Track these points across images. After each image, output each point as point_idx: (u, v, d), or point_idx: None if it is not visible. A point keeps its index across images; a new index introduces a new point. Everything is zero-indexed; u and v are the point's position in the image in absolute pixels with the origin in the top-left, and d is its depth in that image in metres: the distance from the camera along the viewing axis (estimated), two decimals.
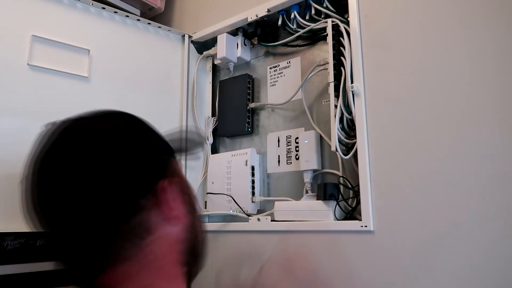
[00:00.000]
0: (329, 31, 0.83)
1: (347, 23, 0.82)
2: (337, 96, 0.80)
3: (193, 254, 0.47)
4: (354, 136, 0.77)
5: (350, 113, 0.78)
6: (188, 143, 0.57)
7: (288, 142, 0.94)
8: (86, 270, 0.40)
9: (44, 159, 0.41)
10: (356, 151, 0.76)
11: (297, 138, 0.92)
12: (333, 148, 0.78)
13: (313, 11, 0.90)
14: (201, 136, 0.61)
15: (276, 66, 1.01)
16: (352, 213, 0.78)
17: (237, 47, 1.04)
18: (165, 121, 1.05)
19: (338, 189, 0.81)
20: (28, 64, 0.81)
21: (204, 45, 1.14)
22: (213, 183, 1.03)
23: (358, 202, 0.75)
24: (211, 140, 1.09)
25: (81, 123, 0.45)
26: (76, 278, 0.41)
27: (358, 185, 0.75)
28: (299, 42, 0.96)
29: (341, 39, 0.82)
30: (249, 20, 0.98)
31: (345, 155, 0.78)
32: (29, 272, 0.80)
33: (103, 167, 0.39)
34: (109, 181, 0.39)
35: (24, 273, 0.79)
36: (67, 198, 0.39)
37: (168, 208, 0.43)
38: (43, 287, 0.81)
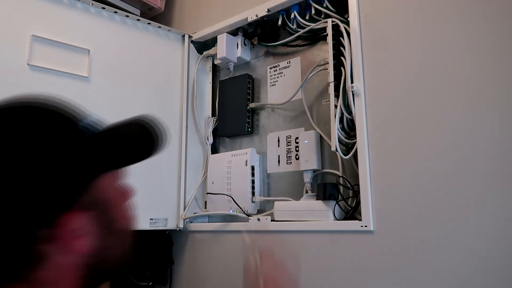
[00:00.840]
0: (329, 31, 0.83)
1: (347, 23, 0.82)
2: (337, 96, 0.80)
3: (98, 275, 0.44)
4: (354, 136, 0.77)
5: (350, 113, 0.78)
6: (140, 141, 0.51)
7: (288, 142, 0.94)
8: None
9: None
10: (356, 151, 0.76)
11: (297, 138, 0.92)
12: (333, 148, 0.78)
13: (313, 11, 0.90)
14: (160, 131, 0.52)
15: (276, 66, 1.01)
16: (352, 213, 0.78)
17: (237, 47, 1.04)
18: (165, 121, 1.04)
19: (338, 189, 0.81)
20: (28, 64, 0.81)
21: (204, 45, 1.14)
22: (213, 183, 1.03)
23: (358, 202, 0.75)
24: (211, 140, 1.09)
25: None
26: None
27: (357, 185, 0.75)
28: (299, 42, 0.96)
29: (341, 39, 0.82)
30: (249, 20, 0.98)
31: (345, 155, 0.78)
32: None
33: (3, 191, 0.36)
34: (6, 209, 0.36)
35: None
36: None
37: (65, 243, 0.39)
38: None
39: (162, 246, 1.05)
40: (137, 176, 1.06)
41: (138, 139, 0.50)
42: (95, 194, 0.42)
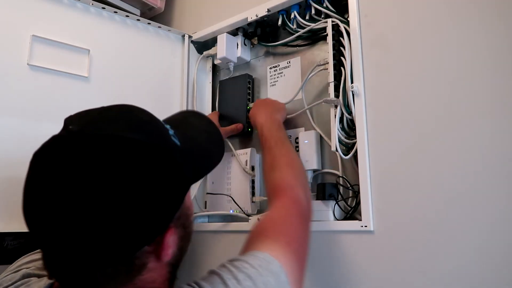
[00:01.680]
0: (329, 31, 0.83)
1: (347, 23, 0.82)
2: (337, 96, 0.80)
3: (178, 266, 0.51)
4: (354, 136, 0.77)
5: (350, 113, 0.78)
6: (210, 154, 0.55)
7: None
8: None
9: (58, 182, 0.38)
10: (356, 151, 0.76)
11: (297, 138, 0.92)
12: (333, 148, 0.78)
13: (313, 11, 0.90)
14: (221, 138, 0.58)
15: (276, 66, 1.01)
16: (351, 213, 0.78)
17: (237, 47, 1.04)
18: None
19: (338, 189, 0.81)
20: (28, 64, 0.81)
21: (204, 45, 1.14)
22: (213, 183, 1.03)
23: (358, 202, 0.75)
24: None
25: (99, 154, 0.39)
26: None
27: (357, 185, 0.75)
28: (299, 42, 0.96)
29: (341, 39, 0.82)
30: (249, 20, 0.98)
31: (345, 155, 0.78)
32: None
33: (116, 212, 0.38)
34: (119, 227, 0.39)
35: None
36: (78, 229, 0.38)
37: (163, 251, 0.44)
38: None
39: None
40: None
41: (210, 140, 0.57)
42: (182, 209, 0.47)
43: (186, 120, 0.59)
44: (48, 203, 0.38)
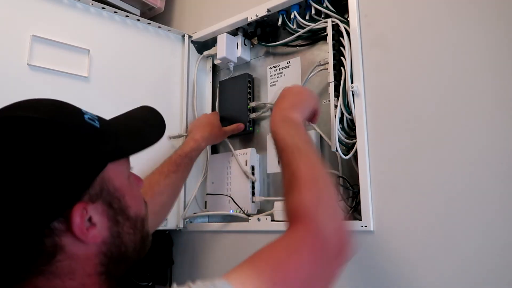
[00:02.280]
0: (329, 31, 0.83)
1: (347, 23, 0.82)
2: (337, 96, 0.80)
3: (116, 261, 0.46)
4: (354, 136, 0.77)
5: (350, 113, 0.78)
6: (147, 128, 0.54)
7: None
8: (3, 281, 0.41)
9: None
10: (356, 151, 0.76)
11: None
12: (333, 148, 0.78)
13: (313, 11, 0.90)
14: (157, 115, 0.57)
15: (276, 66, 1.01)
16: (351, 213, 0.78)
17: (237, 47, 1.04)
18: (165, 120, 1.05)
19: (337, 189, 0.80)
20: (28, 64, 0.81)
21: (204, 45, 1.14)
22: (213, 183, 1.03)
23: (358, 202, 0.75)
24: None
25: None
26: None
27: (357, 185, 0.75)
28: (299, 42, 0.96)
29: (341, 39, 0.82)
30: (249, 20, 0.98)
31: (345, 155, 0.78)
32: None
33: (16, 188, 0.38)
34: (19, 204, 0.38)
35: None
36: None
37: (80, 231, 0.41)
38: None
39: (162, 246, 1.05)
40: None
41: (141, 120, 0.54)
42: (105, 185, 0.44)
43: (128, 112, 0.58)
44: None
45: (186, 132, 1.04)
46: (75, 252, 0.42)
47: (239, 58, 1.04)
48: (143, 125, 0.53)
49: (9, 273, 0.41)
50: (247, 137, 1.04)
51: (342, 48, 0.82)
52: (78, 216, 0.41)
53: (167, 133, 1.05)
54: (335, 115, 0.79)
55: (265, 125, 1.01)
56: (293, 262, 0.45)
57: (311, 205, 0.52)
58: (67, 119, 0.44)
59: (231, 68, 1.07)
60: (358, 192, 0.75)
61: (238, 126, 0.98)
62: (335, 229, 0.51)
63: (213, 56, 1.12)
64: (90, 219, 0.42)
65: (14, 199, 0.38)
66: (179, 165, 0.86)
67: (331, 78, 0.81)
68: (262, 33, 1.02)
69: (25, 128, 0.40)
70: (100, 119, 0.48)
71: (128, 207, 0.47)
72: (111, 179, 0.45)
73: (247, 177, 0.95)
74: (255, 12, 0.97)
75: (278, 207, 0.88)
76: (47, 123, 0.41)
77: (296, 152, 0.58)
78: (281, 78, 1.00)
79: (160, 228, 0.99)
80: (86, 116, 0.46)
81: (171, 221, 1.01)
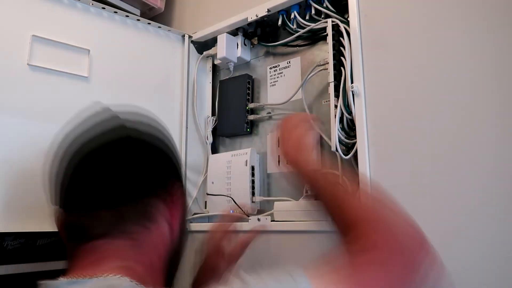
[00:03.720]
0: (329, 31, 0.83)
1: (347, 23, 0.82)
2: (337, 96, 0.80)
3: (172, 256, 0.51)
4: (354, 136, 0.77)
5: (350, 113, 0.78)
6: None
7: None
8: (91, 228, 0.46)
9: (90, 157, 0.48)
10: (356, 151, 0.76)
11: None
12: (333, 148, 0.78)
13: (313, 11, 0.90)
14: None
15: (276, 66, 1.01)
16: None
17: (237, 47, 1.04)
18: (165, 121, 1.04)
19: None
20: (28, 64, 0.81)
21: (204, 45, 1.14)
22: (213, 183, 1.03)
23: None
24: (210, 139, 1.09)
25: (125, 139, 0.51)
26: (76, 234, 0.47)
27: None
28: (299, 42, 0.96)
29: (341, 39, 0.82)
30: (249, 20, 0.98)
31: (345, 155, 0.78)
32: (29, 272, 0.80)
33: (137, 161, 0.49)
34: (139, 167, 0.49)
35: (24, 273, 0.79)
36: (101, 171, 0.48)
37: (171, 212, 0.49)
38: None
39: None
40: None
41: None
42: (182, 190, 0.56)
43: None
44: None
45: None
46: (162, 230, 0.48)
47: (239, 58, 1.04)
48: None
49: (106, 220, 0.46)
50: (247, 137, 1.04)
51: (342, 48, 0.82)
52: (172, 190, 0.50)
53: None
54: (335, 115, 0.79)
55: (264, 125, 1.01)
56: (375, 275, 0.44)
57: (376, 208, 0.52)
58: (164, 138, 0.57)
59: (231, 68, 1.07)
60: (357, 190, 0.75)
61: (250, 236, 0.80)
62: (406, 233, 0.50)
63: (213, 56, 1.12)
64: (176, 199, 0.51)
65: (138, 171, 0.49)
66: None
67: (331, 78, 0.81)
68: (262, 33, 1.02)
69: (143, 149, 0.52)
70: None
71: (186, 219, 0.56)
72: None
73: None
74: (255, 12, 0.97)
75: (278, 207, 0.88)
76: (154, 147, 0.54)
77: (341, 192, 0.58)
78: (281, 78, 1.00)
79: None
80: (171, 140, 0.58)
81: None
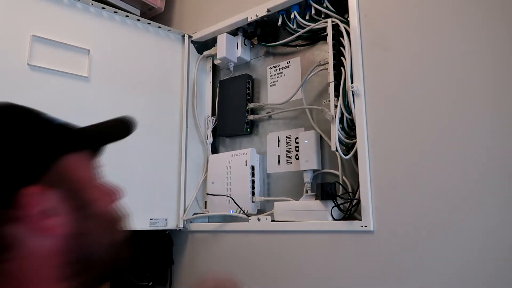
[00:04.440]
0: (329, 31, 0.83)
1: (347, 23, 0.82)
2: (337, 96, 0.80)
3: (83, 265, 0.40)
4: (354, 136, 0.77)
5: (350, 113, 0.78)
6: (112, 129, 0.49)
7: (288, 142, 0.94)
8: None
9: None
10: (356, 151, 0.76)
11: (297, 138, 0.92)
12: (333, 148, 0.78)
13: (313, 11, 0.90)
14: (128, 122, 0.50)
15: (276, 66, 1.01)
16: (351, 213, 0.78)
17: (237, 47, 1.04)
18: (165, 121, 1.05)
19: (336, 189, 0.80)
20: (28, 64, 0.81)
21: (204, 45, 1.14)
22: (213, 183, 1.03)
23: (357, 202, 0.75)
24: (210, 139, 1.09)
25: None
26: None
27: (358, 186, 0.75)
28: (299, 42, 0.96)
29: (341, 39, 0.82)
30: (249, 20, 0.98)
31: (345, 155, 0.78)
32: None
33: None
34: None
35: None
36: None
37: (35, 220, 0.37)
38: None
39: (162, 246, 1.05)
40: (138, 176, 1.06)
41: (107, 122, 0.49)
42: (60, 172, 0.41)
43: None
44: None
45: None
46: (29, 247, 0.36)
47: (239, 58, 1.04)
48: (106, 124, 0.50)
49: None
50: (247, 137, 1.04)
51: (342, 48, 0.81)
52: (31, 202, 0.36)
53: (170, 135, 1.05)
54: (335, 115, 0.79)
55: (264, 125, 1.01)
56: None
57: None
58: (32, 112, 0.45)
59: (231, 68, 1.07)
60: (356, 193, 0.75)
61: None
62: None
63: (213, 56, 1.12)
64: (46, 208, 0.38)
65: None
66: None
67: (331, 78, 0.81)
68: (262, 33, 1.02)
69: None
70: (66, 122, 0.46)
71: (92, 202, 0.42)
72: (71, 169, 0.42)
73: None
74: (255, 12, 0.97)
75: (278, 207, 0.87)
76: (17, 108, 0.43)
77: None
78: (281, 78, 1.00)
79: (160, 228, 0.99)
80: (49, 116, 0.45)
81: (171, 221, 1.01)
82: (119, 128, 0.49)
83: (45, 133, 0.42)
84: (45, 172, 0.39)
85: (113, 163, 0.90)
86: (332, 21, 0.83)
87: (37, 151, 0.40)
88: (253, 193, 0.95)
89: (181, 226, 1.02)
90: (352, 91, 0.77)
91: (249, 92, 1.03)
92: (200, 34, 1.11)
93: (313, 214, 0.80)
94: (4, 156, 0.37)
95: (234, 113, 1.03)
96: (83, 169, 0.44)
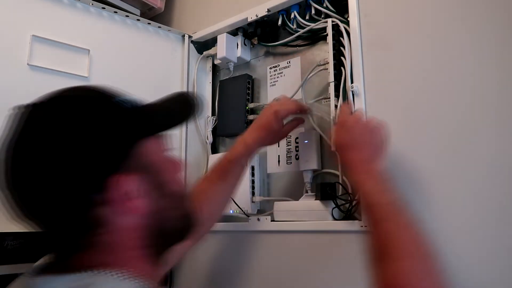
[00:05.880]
0: (329, 31, 0.83)
1: (347, 23, 0.82)
2: (337, 96, 0.80)
3: (160, 236, 0.48)
4: None
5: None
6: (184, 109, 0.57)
7: (288, 142, 0.94)
8: (58, 253, 0.46)
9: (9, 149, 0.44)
10: None
11: (297, 138, 0.92)
12: (333, 148, 0.78)
13: (313, 11, 0.90)
14: (196, 99, 0.58)
15: (276, 66, 1.01)
16: (351, 213, 0.78)
17: (237, 47, 1.04)
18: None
19: (336, 189, 0.80)
20: (28, 64, 0.81)
21: (204, 45, 1.14)
22: None
23: (358, 202, 0.75)
24: (210, 139, 1.09)
25: (38, 112, 0.46)
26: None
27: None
28: (299, 42, 0.96)
29: (341, 39, 0.82)
30: (249, 20, 0.98)
31: None
32: None
33: (53, 166, 0.41)
34: (59, 180, 0.41)
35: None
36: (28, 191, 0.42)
37: (121, 202, 0.43)
38: None
39: None
40: None
41: (175, 101, 0.57)
42: (141, 158, 0.46)
43: (164, 97, 0.60)
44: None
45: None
46: (116, 224, 0.44)
47: (239, 58, 1.04)
48: (175, 105, 0.56)
49: (54, 249, 0.44)
50: None
51: (342, 48, 0.82)
52: (117, 187, 0.43)
53: (170, 134, 1.05)
54: (335, 116, 0.78)
55: None
56: None
57: (413, 277, 0.47)
58: (106, 96, 0.50)
59: (231, 68, 1.07)
60: (354, 195, 0.75)
61: (298, 122, 0.84)
62: None
63: (213, 56, 1.12)
64: (129, 191, 0.44)
65: (55, 169, 0.41)
66: (228, 172, 0.78)
67: (331, 78, 0.81)
68: (262, 33, 1.02)
69: (71, 105, 0.46)
70: (135, 101, 0.52)
71: (166, 182, 0.49)
72: (147, 154, 0.47)
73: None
74: (255, 12, 0.97)
75: (278, 207, 0.87)
76: (90, 99, 0.49)
77: (392, 213, 0.54)
78: (281, 78, 1.00)
79: None
80: (120, 98, 0.51)
81: None
82: (185, 110, 0.57)
83: (125, 120, 0.47)
84: (126, 158, 0.45)
85: None
86: (332, 21, 0.83)
87: (119, 139, 0.45)
88: (253, 193, 0.95)
89: None
90: (352, 91, 0.77)
91: (249, 92, 1.03)
92: (200, 34, 1.11)
93: (313, 214, 0.80)
94: (95, 147, 0.43)
95: (234, 113, 1.03)
96: (156, 151, 0.49)
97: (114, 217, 0.43)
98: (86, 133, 0.43)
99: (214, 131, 1.10)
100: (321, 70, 0.86)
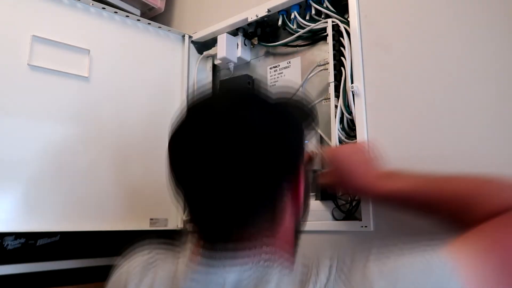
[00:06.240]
0: (329, 31, 0.83)
1: (347, 23, 0.82)
2: (337, 96, 0.80)
3: (299, 226, 0.53)
4: (354, 136, 0.77)
5: (350, 113, 0.78)
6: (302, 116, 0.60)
7: None
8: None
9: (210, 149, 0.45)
10: None
11: None
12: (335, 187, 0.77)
13: (313, 11, 0.90)
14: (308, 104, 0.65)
15: (276, 66, 1.01)
16: (351, 213, 0.78)
17: (237, 47, 1.04)
18: (165, 121, 1.04)
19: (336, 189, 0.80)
20: (28, 64, 0.81)
21: (204, 45, 1.14)
22: None
23: (358, 202, 0.75)
24: None
25: (243, 119, 0.46)
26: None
27: None
28: (299, 42, 0.96)
29: (341, 39, 0.82)
30: (249, 20, 0.98)
31: None
32: (29, 272, 0.80)
33: (257, 159, 0.43)
34: (261, 170, 0.43)
35: (24, 273, 0.79)
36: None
37: (298, 192, 0.49)
38: (43, 287, 0.81)
39: None
40: (137, 176, 1.06)
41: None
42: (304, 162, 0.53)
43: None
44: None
45: None
46: (289, 218, 0.48)
47: (239, 58, 1.04)
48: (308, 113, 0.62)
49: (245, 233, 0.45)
50: None
51: (342, 48, 0.82)
52: (301, 175, 0.49)
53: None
54: (335, 115, 0.79)
55: None
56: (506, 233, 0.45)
57: None
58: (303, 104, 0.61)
59: (231, 68, 1.07)
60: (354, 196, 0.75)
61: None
62: None
63: (213, 56, 1.12)
64: (299, 181, 0.49)
65: (261, 156, 0.43)
66: None
67: (331, 78, 0.81)
68: (262, 33, 1.02)
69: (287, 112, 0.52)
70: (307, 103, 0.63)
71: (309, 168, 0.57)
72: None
73: None
74: (255, 12, 0.97)
75: None
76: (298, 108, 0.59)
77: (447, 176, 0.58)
78: (281, 78, 1.00)
79: (160, 228, 0.99)
80: (308, 105, 0.62)
81: (171, 221, 1.01)
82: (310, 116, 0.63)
83: (306, 121, 0.59)
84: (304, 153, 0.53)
85: (113, 162, 0.90)
86: (332, 21, 0.83)
87: (302, 141, 0.53)
88: None
89: (181, 226, 1.02)
90: (352, 91, 0.77)
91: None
92: (200, 34, 1.11)
93: (314, 214, 0.80)
94: (299, 144, 0.52)
95: None
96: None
97: (290, 203, 0.48)
98: (295, 133, 0.50)
99: None
100: (321, 70, 0.87)
